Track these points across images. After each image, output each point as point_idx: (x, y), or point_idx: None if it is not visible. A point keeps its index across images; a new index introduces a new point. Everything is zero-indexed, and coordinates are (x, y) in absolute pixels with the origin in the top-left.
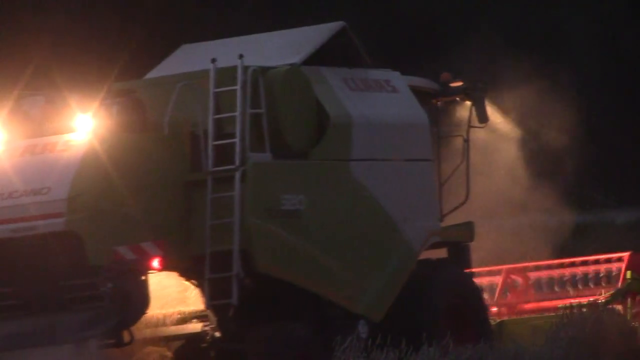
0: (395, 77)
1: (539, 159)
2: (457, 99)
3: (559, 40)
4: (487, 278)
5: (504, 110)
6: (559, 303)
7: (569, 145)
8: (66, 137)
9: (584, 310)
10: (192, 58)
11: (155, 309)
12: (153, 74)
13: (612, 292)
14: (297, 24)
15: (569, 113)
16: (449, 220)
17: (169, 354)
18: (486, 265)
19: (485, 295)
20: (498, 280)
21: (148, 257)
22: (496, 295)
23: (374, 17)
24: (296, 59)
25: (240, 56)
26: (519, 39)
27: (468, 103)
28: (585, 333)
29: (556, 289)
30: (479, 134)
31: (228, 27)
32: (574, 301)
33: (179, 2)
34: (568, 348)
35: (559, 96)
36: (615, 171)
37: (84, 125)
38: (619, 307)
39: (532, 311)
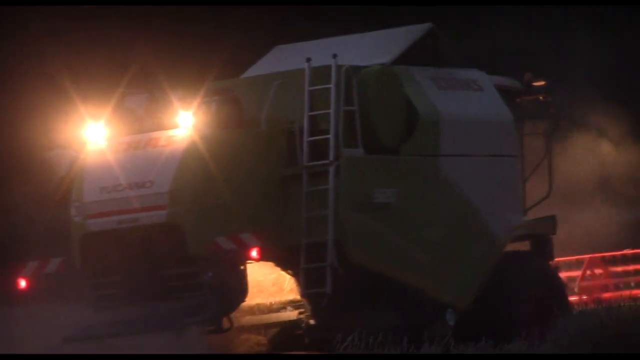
0: (481, 77)
1: (619, 154)
2: (540, 97)
3: None
4: (569, 269)
5: (585, 107)
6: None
7: None
8: (168, 133)
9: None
10: (286, 58)
11: (253, 298)
12: (249, 73)
13: None
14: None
15: None
16: (533, 214)
17: (265, 340)
18: (568, 257)
19: (567, 286)
20: (579, 271)
21: (247, 248)
22: (577, 285)
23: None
24: (387, 58)
25: (334, 55)
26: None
27: (550, 101)
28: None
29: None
30: (560, 131)
31: (316, 32)
32: None
33: (270, 11)
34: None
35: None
36: None
37: (185, 122)
38: None
39: (612, 300)
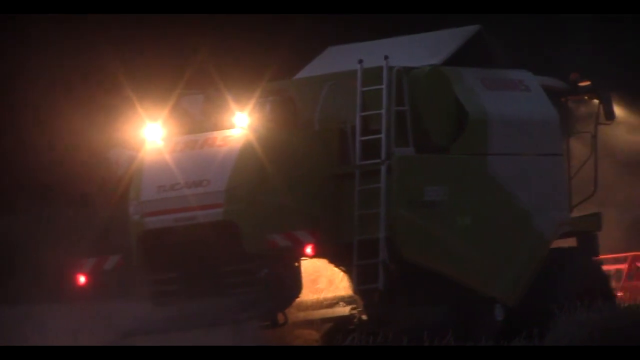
0: (528, 77)
1: None
2: (586, 97)
3: None
4: (614, 265)
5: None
6: None
7: None
8: (224, 132)
9: None
10: (338, 59)
11: (307, 293)
12: (303, 73)
13: None
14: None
15: None
16: (578, 211)
17: (318, 335)
18: (613, 253)
19: (612, 281)
20: (624, 266)
21: (301, 245)
22: (622, 280)
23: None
24: (437, 59)
25: (386, 57)
26: None
27: (596, 101)
28: None
29: None
30: (606, 130)
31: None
32: None
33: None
34: None
35: None
36: None
37: (240, 122)
38: None
39: None
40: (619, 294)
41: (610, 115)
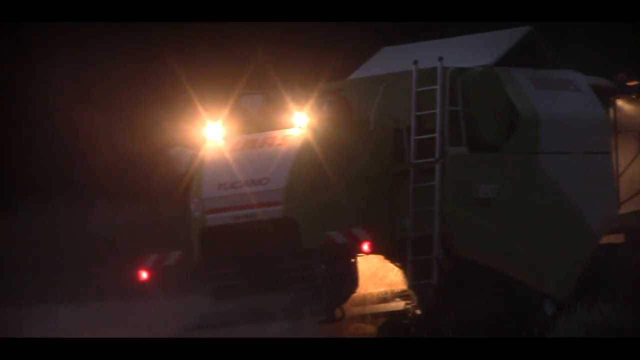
0: (578, 77)
1: None
2: (634, 96)
3: None
4: None
5: None
6: None
7: None
8: (283, 132)
9: None
10: (392, 59)
11: (363, 289)
12: (358, 74)
13: None
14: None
15: None
16: (626, 208)
17: (374, 329)
18: None
19: None
20: None
21: (358, 241)
22: None
23: None
24: (489, 60)
25: (440, 59)
26: None
27: None
28: None
29: None
30: None
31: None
32: None
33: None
34: None
35: None
36: None
37: (299, 122)
38: None
39: None
40: None
41: None
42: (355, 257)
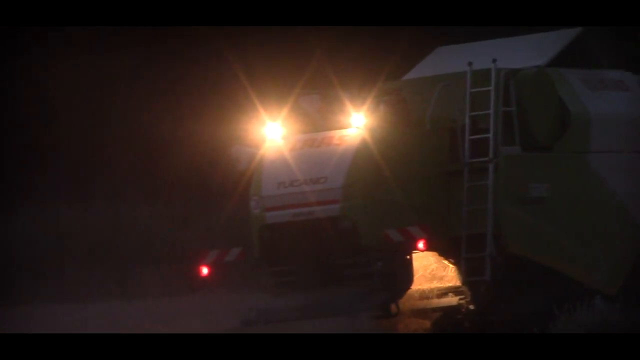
0: (628, 77)
1: None
2: None
3: None
4: None
5: None
6: None
7: None
8: (341, 132)
9: None
10: (446, 59)
11: (417, 285)
12: (412, 74)
13: None
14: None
15: None
16: None
17: (428, 324)
18: None
19: None
20: None
21: (414, 239)
22: None
23: None
24: (542, 61)
25: (494, 60)
26: None
27: None
28: None
29: None
30: None
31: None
32: None
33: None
34: None
35: None
36: None
37: (357, 122)
38: None
39: None
40: None
41: None
42: (410, 254)
